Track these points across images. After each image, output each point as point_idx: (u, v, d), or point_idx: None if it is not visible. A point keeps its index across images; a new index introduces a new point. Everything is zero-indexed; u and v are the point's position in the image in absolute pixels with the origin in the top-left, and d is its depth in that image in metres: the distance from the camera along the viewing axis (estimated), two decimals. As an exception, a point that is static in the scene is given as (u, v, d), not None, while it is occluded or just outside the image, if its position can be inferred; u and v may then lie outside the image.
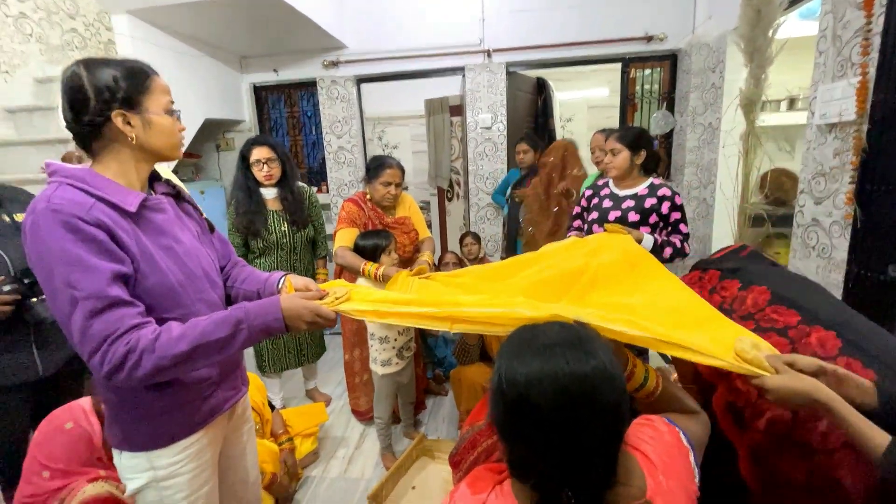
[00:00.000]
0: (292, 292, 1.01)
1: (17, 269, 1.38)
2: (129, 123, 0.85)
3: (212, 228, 1.11)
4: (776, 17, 1.99)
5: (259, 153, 2.14)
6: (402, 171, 2.14)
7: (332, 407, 2.63)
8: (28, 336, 1.42)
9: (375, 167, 2.10)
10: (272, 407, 2.14)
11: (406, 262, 2.15)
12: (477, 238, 3.14)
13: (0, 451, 0.87)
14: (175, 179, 1.27)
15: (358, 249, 1.99)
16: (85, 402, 1.19)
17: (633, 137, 1.86)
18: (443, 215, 4.90)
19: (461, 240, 3.18)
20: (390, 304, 0.98)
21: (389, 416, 2.12)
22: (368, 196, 2.16)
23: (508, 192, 3.27)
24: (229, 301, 1.11)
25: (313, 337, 2.53)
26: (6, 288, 1.30)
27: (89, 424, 1.15)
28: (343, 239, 2.03)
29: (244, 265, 1.18)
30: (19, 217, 1.48)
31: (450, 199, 4.79)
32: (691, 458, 0.74)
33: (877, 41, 1.67)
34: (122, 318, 0.78)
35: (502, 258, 3.21)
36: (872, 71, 1.70)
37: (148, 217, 0.90)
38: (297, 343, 2.46)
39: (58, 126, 2.42)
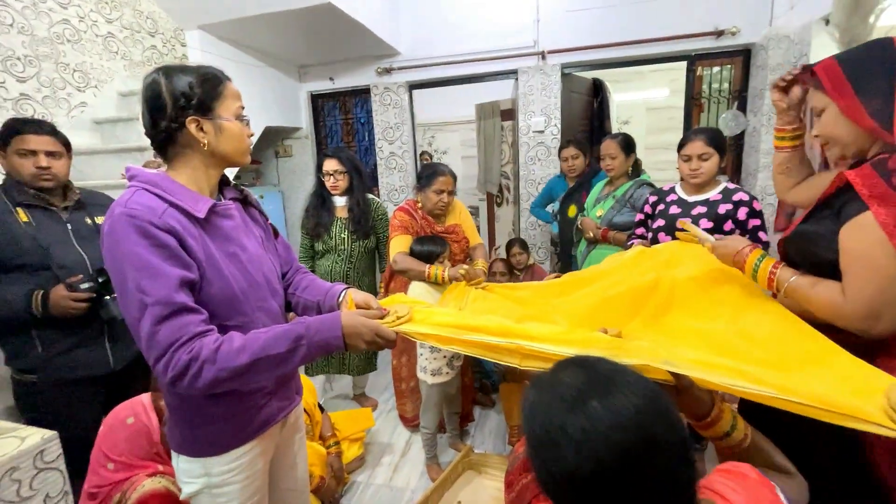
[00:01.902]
0: (352, 308, 0.98)
1: (94, 269, 1.48)
2: (202, 129, 0.87)
3: (276, 234, 1.12)
4: (878, 2, 1.76)
5: (328, 165, 2.29)
6: (455, 178, 2.10)
7: (379, 412, 2.63)
8: (101, 332, 1.52)
9: (428, 175, 2.08)
10: (322, 409, 2.16)
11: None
12: (524, 246, 3.00)
13: (70, 442, 0.90)
14: None
15: (412, 255, 1.97)
16: (145, 398, 1.24)
17: (720, 140, 1.68)
18: (491, 221, 4.83)
19: (508, 248, 3.03)
20: (454, 329, 0.91)
21: (436, 427, 2.08)
22: (420, 204, 2.14)
23: (556, 206, 2.90)
24: (288, 307, 1.11)
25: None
26: (84, 286, 1.39)
27: (149, 420, 1.19)
28: (399, 245, 2.03)
29: (306, 272, 1.17)
30: (100, 220, 1.60)
31: (499, 205, 4.71)
32: None
33: None
34: (186, 325, 0.79)
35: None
36: None
37: (216, 223, 0.91)
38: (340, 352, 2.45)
39: (138, 135, 2.62)
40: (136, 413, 1.20)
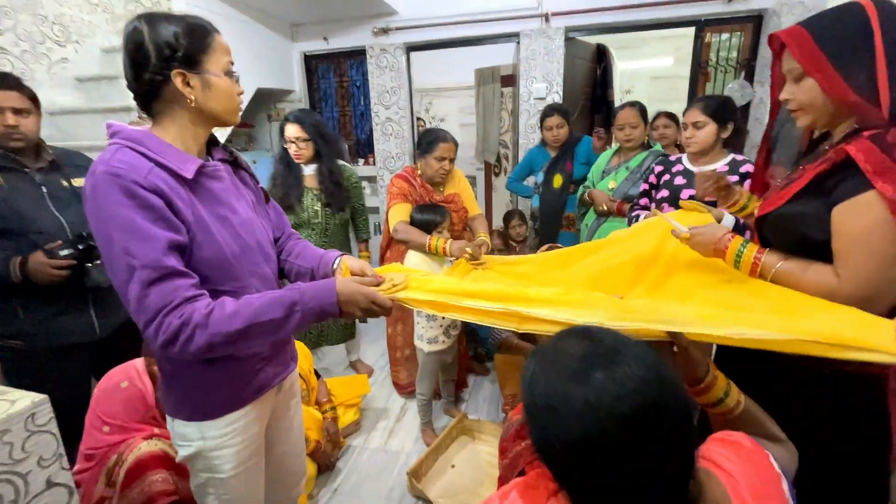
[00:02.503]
0: (347, 275, 0.96)
1: (74, 234, 1.43)
2: (188, 84, 0.82)
3: (267, 198, 1.08)
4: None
5: (289, 131, 2.09)
6: (456, 145, 2.04)
7: (374, 379, 2.66)
8: (86, 299, 1.48)
9: (429, 141, 2.00)
10: (318, 375, 2.17)
11: (455, 239, 2.07)
12: (523, 217, 2.95)
13: (60, 408, 0.89)
14: None
15: (412, 223, 1.93)
16: (139, 362, 1.23)
17: (717, 107, 1.62)
18: (489, 191, 4.77)
19: (507, 220, 2.95)
20: (451, 295, 0.89)
21: (431, 393, 2.10)
22: (419, 172, 2.09)
23: (540, 177, 2.72)
24: (282, 274, 1.09)
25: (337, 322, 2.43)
26: (63, 252, 1.34)
27: (143, 384, 1.19)
28: (399, 213, 1.97)
29: (299, 239, 1.14)
30: (77, 182, 1.52)
31: (497, 175, 4.64)
32: (784, 485, 0.63)
33: None
34: (176, 290, 0.77)
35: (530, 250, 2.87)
36: None
37: (205, 185, 0.87)
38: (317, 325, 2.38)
39: (123, 94, 2.51)
40: (129, 377, 1.19)
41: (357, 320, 2.62)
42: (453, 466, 1.92)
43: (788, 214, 0.90)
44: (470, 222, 2.16)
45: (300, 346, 2.17)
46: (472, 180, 4.81)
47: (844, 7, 0.83)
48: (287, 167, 2.15)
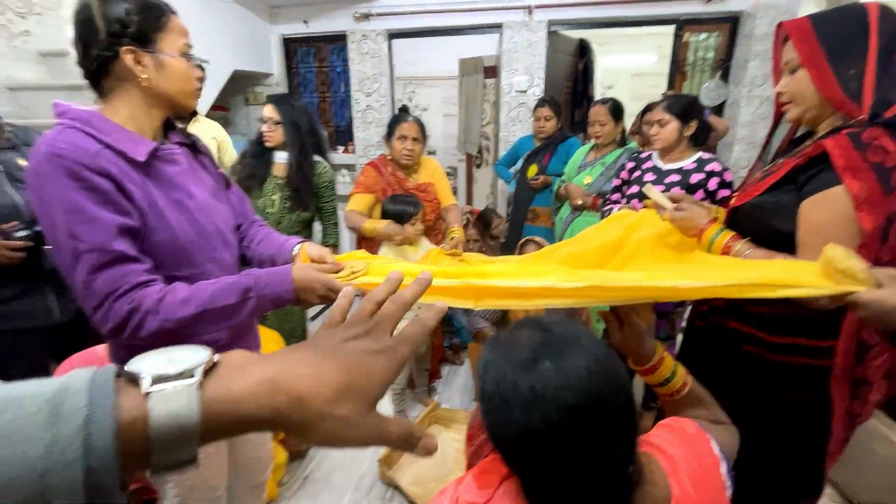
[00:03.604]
0: (307, 262, 0.95)
1: (31, 215, 1.38)
2: (139, 63, 0.79)
3: (228, 184, 1.05)
4: (867, -28, 1.73)
5: (265, 110, 1.99)
6: (421, 126, 2.07)
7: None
8: (45, 281, 1.44)
9: (390, 124, 2.09)
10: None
11: (428, 230, 2.08)
12: (502, 218, 3.00)
13: (14, 393, 0.86)
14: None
15: (384, 214, 1.93)
16: (101, 348, 1.20)
17: (682, 106, 1.69)
18: (470, 182, 4.77)
19: (487, 219, 2.93)
20: (409, 277, 0.88)
21: (405, 382, 2.12)
22: (389, 157, 2.10)
23: (519, 164, 2.78)
24: (245, 262, 1.07)
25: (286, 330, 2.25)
26: (20, 234, 1.30)
27: None
28: (354, 203, 2.03)
29: (263, 225, 1.12)
30: None
31: (478, 166, 4.65)
32: (723, 469, 0.66)
33: None
34: (126, 275, 0.75)
35: (502, 244, 2.90)
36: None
37: (159, 168, 0.84)
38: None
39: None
40: (90, 363, 1.16)
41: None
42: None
43: (762, 205, 0.93)
44: (444, 213, 2.16)
45: (273, 334, 2.15)
46: (454, 171, 4.80)
47: (851, 7, 0.86)
48: (258, 148, 2.05)
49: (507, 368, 0.56)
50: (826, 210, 0.82)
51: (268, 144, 2.01)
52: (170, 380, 0.29)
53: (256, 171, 2.03)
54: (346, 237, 2.61)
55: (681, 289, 0.75)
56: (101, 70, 0.79)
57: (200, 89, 0.90)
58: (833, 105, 0.86)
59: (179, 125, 0.97)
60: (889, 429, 1.66)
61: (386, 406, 2.26)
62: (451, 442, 2.02)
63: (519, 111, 3.40)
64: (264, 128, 1.99)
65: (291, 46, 3.72)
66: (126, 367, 0.30)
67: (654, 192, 1.08)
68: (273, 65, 3.66)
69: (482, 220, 2.95)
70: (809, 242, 0.84)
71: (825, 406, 0.88)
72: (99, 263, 0.73)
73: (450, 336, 2.80)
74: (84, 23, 0.77)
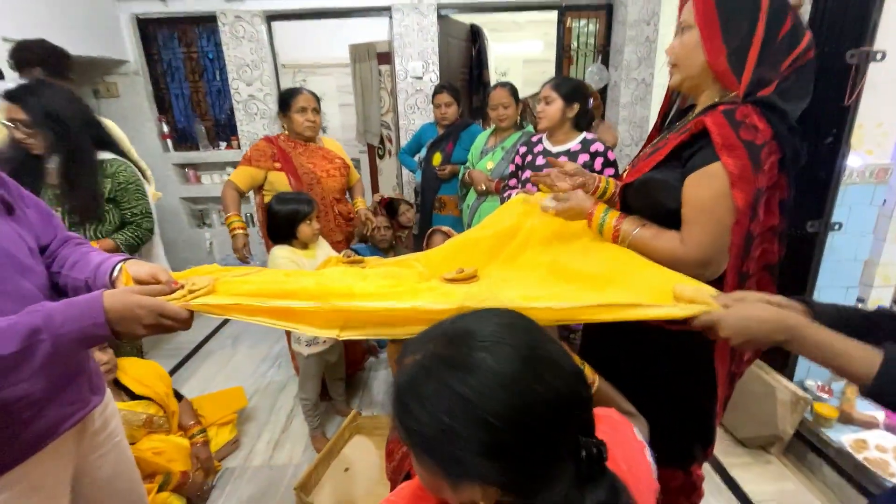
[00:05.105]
0: (130, 284, 0.76)
1: None
2: None
3: (8, 207, 0.79)
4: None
5: (7, 110, 1.49)
6: (317, 98, 2.06)
7: (255, 386, 2.39)
8: None
9: (286, 97, 2.03)
10: (179, 397, 1.87)
11: (336, 202, 2.14)
12: (409, 203, 2.92)
13: None
14: None
15: (272, 217, 1.72)
16: None
17: (568, 88, 1.73)
18: (374, 174, 4.59)
19: (393, 208, 2.84)
20: (263, 296, 0.75)
21: (317, 396, 1.95)
22: (286, 132, 2.09)
23: (423, 152, 2.73)
24: (59, 292, 0.84)
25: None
26: None
27: None
28: (234, 175, 2.02)
29: (81, 243, 0.89)
30: None
31: (381, 157, 4.48)
32: (647, 452, 0.66)
33: None
34: None
35: (414, 236, 2.86)
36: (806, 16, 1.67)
37: None
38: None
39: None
40: None
41: None
42: (347, 470, 1.81)
43: (649, 181, 0.94)
44: (351, 188, 2.22)
45: (154, 366, 1.84)
46: (357, 163, 4.58)
47: None
48: (20, 154, 1.54)
49: (492, 365, 0.46)
50: (706, 186, 0.84)
51: (34, 153, 1.54)
52: None
53: (23, 183, 1.37)
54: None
55: (554, 310, 0.74)
56: None
57: None
58: (715, 75, 0.88)
59: None
60: (759, 368, 1.90)
61: (300, 425, 2.07)
62: (378, 451, 1.90)
63: (416, 98, 3.31)
64: (18, 134, 1.51)
65: (149, 28, 3.20)
66: None
67: (537, 197, 1.09)
68: (127, 50, 3.12)
69: (388, 209, 2.83)
70: (693, 219, 0.86)
71: (711, 371, 0.93)
72: None
73: (365, 339, 2.66)
74: None
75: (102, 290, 0.68)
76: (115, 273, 0.79)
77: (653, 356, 1.00)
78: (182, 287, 0.74)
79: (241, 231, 1.99)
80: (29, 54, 1.93)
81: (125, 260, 0.81)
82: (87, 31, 2.75)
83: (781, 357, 1.89)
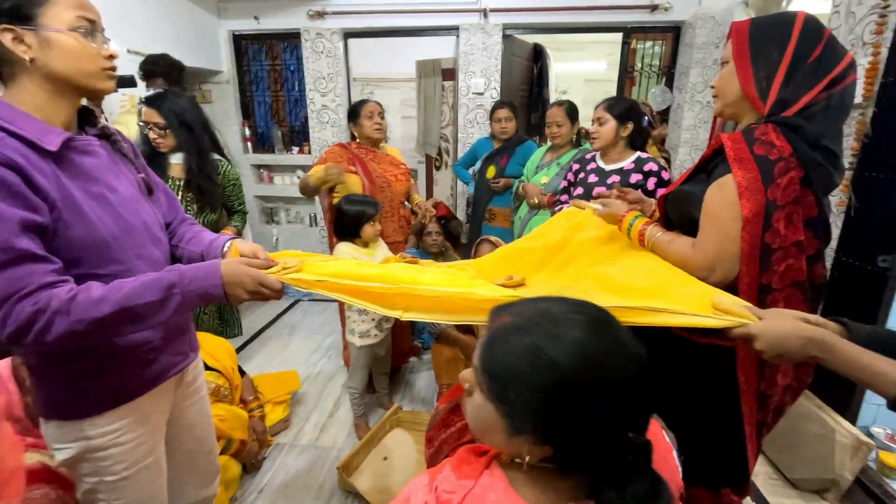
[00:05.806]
0: (237, 257, 0.90)
1: None
2: (22, 42, 0.71)
3: (150, 189, 0.96)
4: (791, -13, 1.88)
5: (144, 114, 1.76)
6: (381, 107, 2.27)
7: (307, 373, 2.57)
8: None
9: (354, 107, 2.26)
10: (242, 373, 2.06)
11: (397, 207, 2.31)
12: (461, 222, 3.02)
13: None
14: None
15: (341, 215, 1.88)
16: (3, 365, 1.08)
17: (622, 109, 1.77)
18: (430, 184, 4.76)
19: (448, 225, 2.89)
20: (342, 277, 0.88)
21: (364, 387, 2.07)
22: (357, 140, 2.28)
23: (478, 165, 2.82)
24: (175, 261, 1.01)
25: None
26: None
27: (7, 391, 1.04)
28: (311, 171, 2.14)
29: (193, 223, 1.06)
30: None
31: (438, 168, 4.65)
32: (675, 454, 0.69)
33: (893, 19, 1.58)
34: (30, 275, 0.68)
35: (463, 245, 2.94)
36: (885, 52, 1.62)
37: (74, 160, 0.77)
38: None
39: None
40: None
41: None
42: (385, 459, 1.91)
43: (680, 194, 1.02)
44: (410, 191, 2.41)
45: (223, 343, 2.05)
46: (414, 174, 4.76)
47: (784, 14, 0.94)
48: (148, 150, 1.81)
49: (577, 335, 0.52)
50: (718, 195, 0.90)
51: (161, 150, 1.81)
52: None
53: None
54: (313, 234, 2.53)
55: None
56: None
57: (112, 69, 0.80)
58: (748, 101, 0.94)
59: (103, 121, 0.90)
60: (818, 409, 1.79)
61: (345, 412, 2.21)
62: (413, 445, 1.99)
63: (476, 113, 3.44)
64: (152, 134, 1.77)
65: (242, 43, 3.58)
66: None
67: (580, 203, 1.20)
68: (222, 61, 3.51)
69: (445, 227, 2.91)
70: (705, 226, 0.92)
71: (736, 386, 0.94)
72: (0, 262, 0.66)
73: (412, 338, 2.77)
74: None
75: (219, 259, 0.83)
76: (225, 248, 0.96)
77: (676, 367, 1.01)
78: (276, 264, 0.88)
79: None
80: (155, 67, 2.29)
81: (232, 239, 0.98)
82: (192, 45, 3.14)
83: (844, 399, 1.78)
